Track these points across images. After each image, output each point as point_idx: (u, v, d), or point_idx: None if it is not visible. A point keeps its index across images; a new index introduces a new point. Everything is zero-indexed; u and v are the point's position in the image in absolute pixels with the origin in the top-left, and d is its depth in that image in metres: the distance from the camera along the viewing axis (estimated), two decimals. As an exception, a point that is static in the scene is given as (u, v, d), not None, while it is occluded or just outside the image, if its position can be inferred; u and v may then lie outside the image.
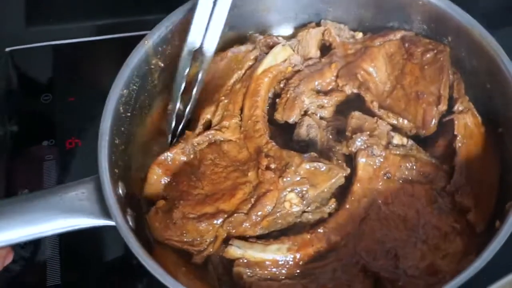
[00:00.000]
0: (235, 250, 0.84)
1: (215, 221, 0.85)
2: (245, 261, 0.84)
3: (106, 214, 0.81)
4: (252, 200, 0.86)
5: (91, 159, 1.04)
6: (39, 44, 1.25)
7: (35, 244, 1.01)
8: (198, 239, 0.86)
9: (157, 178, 0.91)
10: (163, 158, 0.91)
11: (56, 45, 1.25)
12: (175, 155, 0.92)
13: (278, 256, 0.84)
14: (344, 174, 0.88)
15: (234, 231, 0.86)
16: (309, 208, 0.87)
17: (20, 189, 1.06)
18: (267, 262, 0.84)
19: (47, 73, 1.22)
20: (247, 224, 0.85)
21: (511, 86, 0.90)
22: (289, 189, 0.86)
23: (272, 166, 0.88)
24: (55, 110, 1.16)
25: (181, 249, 0.86)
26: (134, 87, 0.94)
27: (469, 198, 0.88)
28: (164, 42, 0.97)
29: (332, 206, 0.88)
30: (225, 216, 0.86)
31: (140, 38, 1.15)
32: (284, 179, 0.86)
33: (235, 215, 0.86)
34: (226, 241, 0.86)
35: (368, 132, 0.90)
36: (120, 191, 0.85)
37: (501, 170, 0.93)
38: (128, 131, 0.94)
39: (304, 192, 0.86)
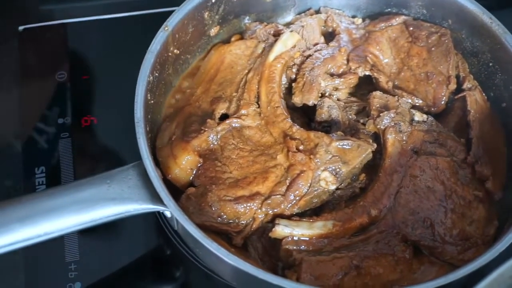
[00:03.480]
0: (283, 229, 0.85)
1: (253, 203, 0.87)
2: (293, 239, 0.85)
3: (155, 199, 0.81)
4: (287, 181, 0.88)
5: (106, 136, 1.09)
6: (52, 23, 1.23)
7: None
8: (236, 220, 0.87)
9: (186, 164, 0.91)
10: (193, 144, 0.91)
11: (69, 23, 1.23)
12: (201, 143, 0.92)
13: (324, 231, 0.86)
14: (372, 149, 0.92)
15: (271, 212, 0.87)
16: (342, 184, 0.90)
17: (36, 167, 1.04)
18: (314, 238, 0.86)
19: (60, 51, 1.20)
20: (285, 205, 0.87)
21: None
22: (322, 168, 0.89)
23: (301, 147, 0.91)
24: (69, 88, 1.15)
25: (219, 231, 0.87)
26: (156, 74, 0.93)
27: (487, 167, 0.94)
28: (181, 29, 0.97)
29: (363, 181, 0.92)
30: (262, 198, 0.87)
31: (151, 16, 1.21)
32: (317, 159, 0.89)
33: (272, 197, 0.87)
34: (266, 222, 0.88)
35: (394, 110, 0.95)
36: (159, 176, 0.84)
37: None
38: (153, 119, 0.94)
39: (337, 169, 0.89)
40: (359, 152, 0.90)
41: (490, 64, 1.02)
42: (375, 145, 0.92)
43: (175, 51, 0.98)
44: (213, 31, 1.04)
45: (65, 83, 1.15)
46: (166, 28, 0.93)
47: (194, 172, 0.91)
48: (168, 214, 0.82)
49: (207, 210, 0.87)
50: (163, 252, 0.99)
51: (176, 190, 0.90)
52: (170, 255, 0.99)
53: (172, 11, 0.95)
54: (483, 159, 0.95)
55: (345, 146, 0.90)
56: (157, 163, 0.89)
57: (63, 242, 0.96)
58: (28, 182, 1.02)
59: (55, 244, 0.96)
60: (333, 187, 0.89)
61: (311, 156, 0.89)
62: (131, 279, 0.97)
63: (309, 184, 0.88)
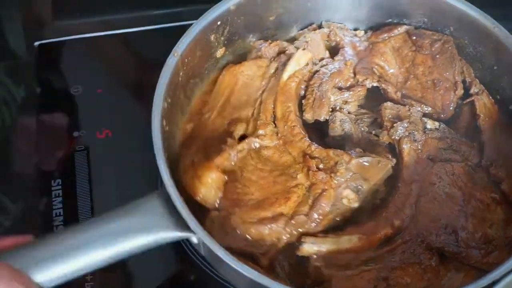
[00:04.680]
0: (310, 247, 0.85)
1: (277, 224, 0.87)
2: (320, 255, 0.86)
3: (182, 226, 0.81)
4: (310, 201, 0.89)
5: (121, 149, 1.10)
6: (67, 38, 1.25)
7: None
8: (261, 242, 0.87)
9: (212, 183, 0.90)
10: (217, 162, 0.91)
11: (84, 38, 1.25)
12: (223, 161, 0.92)
13: (350, 246, 0.87)
14: (392, 165, 0.92)
15: (295, 232, 0.87)
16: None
17: (53, 180, 1.05)
18: (341, 253, 0.86)
19: (75, 66, 1.22)
20: (310, 224, 0.88)
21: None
22: (343, 186, 0.89)
23: (321, 166, 0.91)
24: (84, 101, 1.16)
25: (244, 253, 0.86)
26: (169, 100, 0.93)
27: (502, 170, 0.95)
28: (189, 53, 0.97)
29: (384, 191, 0.93)
30: (286, 218, 0.87)
31: (165, 30, 1.24)
32: (337, 177, 0.89)
33: (296, 217, 0.88)
34: (291, 242, 0.88)
35: (406, 120, 0.96)
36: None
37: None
38: (169, 147, 0.93)
39: (359, 187, 0.90)
40: (380, 169, 0.90)
41: (495, 68, 1.03)
42: (394, 160, 0.93)
43: (184, 76, 0.97)
44: (219, 52, 1.04)
45: (80, 96, 1.16)
46: (175, 54, 0.93)
47: (221, 191, 0.90)
48: (194, 240, 0.82)
49: (231, 233, 0.87)
50: (187, 279, 0.99)
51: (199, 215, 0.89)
52: (193, 280, 0.99)
53: (187, 25, 0.95)
54: (497, 162, 0.96)
55: (365, 163, 0.90)
56: (180, 191, 0.88)
57: None
58: (44, 195, 1.03)
59: None
60: (355, 204, 0.89)
61: (332, 175, 0.89)
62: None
63: (331, 203, 0.88)
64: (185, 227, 0.80)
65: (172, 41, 0.94)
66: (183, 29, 0.95)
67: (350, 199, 0.88)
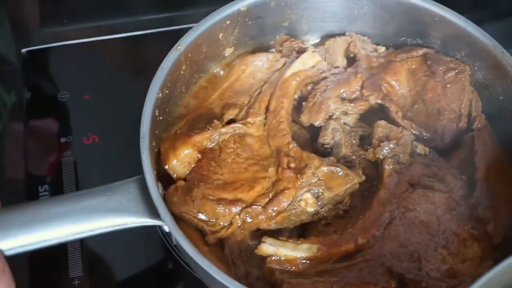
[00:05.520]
0: (268, 248, 0.88)
1: (233, 208, 0.89)
2: (277, 258, 0.88)
3: (154, 214, 0.84)
4: (270, 195, 0.91)
5: (108, 155, 1.11)
6: (54, 44, 1.29)
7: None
8: (213, 220, 0.89)
9: (184, 157, 0.94)
10: (194, 139, 0.94)
11: (71, 45, 1.29)
12: (203, 140, 0.95)
13: (309, 255, 0.88)
14: (359, 181, 0.93)
15: (249, 221, 0.90)
16: (322, 209, 0.92)
17: (40, 185, 1.09)
18: (297, 260, 0.88)
19: (62, 72, 1.26)
20: (263, 217, 0.90)
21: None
22: (305, 189, 0.91)
23: (292, 165, 0.93)
24: (72, 107, 1.20)
25: (195, 225, 0.90)
26: (167, 91, 0.97)
27: (490, 212, 0.93)
28: (194, 48, 1.01)
29: (347, 203, 0.93)
30: (243, 205, 0.90)
31: (151, 36, 1.25)
32: (302, 179, 0.91)
33: (253, 206, 0.90)
34: (243, 229, 0.90)
35: (394, 141, 0.95)
36: (160, 191, 0.88)
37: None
38: (160, 135, 0.98)
39: (319, 193, 0.91)
40: (345, 181, 0.91)
41: (501, 98, 1.01)
42: (363, 177, 0.94)
43: (187, 70, 1.01)
44: (228, 51, 1.08)
45: (67, 102, 1.20)
46: (178, 47, 0.97)
47: (191, 167, 0.94)
48: (166, 229, 0.85)
49: (189, 203, 0.90)
50: (166, 267, 1.02)
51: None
52: (172, 269, 1.02)
53: (174, 30, 0.99)
54: (486, 203, 0.94)
55: (332, 172, 0.91)
56: (159, 173, 0.92)
57: (67, 258, 1.00)
58: (32, 200, 1.06)
59: (58, 260, 1.00)
60: (311, 209, 0.90)
61: (298, 175, 0.91)
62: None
63: (289, 202, 0.90)
64: (157, 215, 0.84)
65: (162, 47, 0.97)
66: (171, 35, 0.99)
67: (308, 203, 0.90)
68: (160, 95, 0.94)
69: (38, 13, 1.35)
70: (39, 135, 1.16)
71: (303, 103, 1.04)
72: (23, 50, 1.28)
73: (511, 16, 1.35)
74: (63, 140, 1.15)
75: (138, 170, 0.86)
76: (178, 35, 0.99)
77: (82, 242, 1.01)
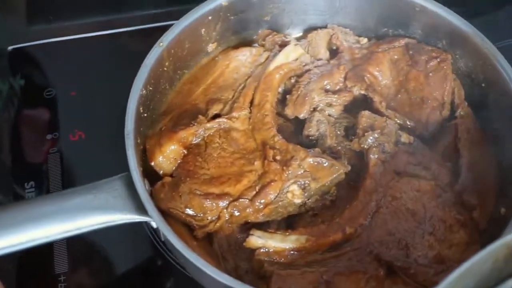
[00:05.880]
0: (256, 240, 0.88)
1: (220, 202, 0.90)
2: (266, 250, 0.88)
3: (140, 210, 0.85)
4: (257, 188, 0.91)
5: (95, 151, 1.12)
6: (40, 42, 1.29)
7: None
8: (201, 214, 0.90)
9: (170, 153, 0.94)
10: (180, 135, 0.95)
11: (57, 42, 1.29)
12: (188, 136, 0.95)
13: (297, 246, 0.89)
14: (345, 171, 0.94)
15: (237, 214, 0.90)
16: (309, 200, 0.93)
17: (26, 182, 1.08)
18: (286, 251, 0.88)
19: (49, 69, 1.26)
20: (250, 210, 0.90)
21: (507, 84, 0.97)
22: (292, 181, 0.91)
23: (278, 158, 0.93)
24: (58, 104, 1.20)
25: (183, 220, 0.90)
26: (150, 88, 0.97)
27: (475, 197, 0.94)
28: (177, 45, 1.01)
29: (334, 194, 0.94)
30: (231, 199, 0.90)
31: (138, 32, 1.26)
32: (288, 171, 0.92)
33: (240, 200, 0.91)
34: (231, 223, 0.91)
35: (379, 130, 0.96)
36: (147, 187, 0.88)
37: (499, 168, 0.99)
38: (145, 132, 0.98)
39: (306, 184, 0.92)
40: (331, 172, 0.92)
41: (483, 85, 1.02)
42: (349, 167, 0.94)
43: (170, 66, 1.01)
44: (211, 47, 1.08)
45: (53, 99, 1.20)
46: (161, 44, 0.97)
47: (177, 162, 0.94)
48: (154, 225, 0.86)
49: (176, 199, 0.90)
50: (154, 264, 1.02)
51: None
52: (160, 266, 1.02)
53: (160, 27, 0.99)
54: (471, 189, 0.95)
55: (318, 163, 0.92)
56: (145, 170, 0.92)
57: (53, 254, 1.00)
58: (18, 197, 1.07)
59: (44, 256, 1.00)
60: (298, 201, 0.91)
61: (284, 168, 0.91)
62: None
63: (276, 194, 0.90)
64: (144, 211, 0.84)
65: (149, 44, 0.97)
66: (157, 31, 0.98)
67: (294, 195, 0.91)
68: (144, 92, 0.94)
69: (24, 11, 1.35)
70: (25, 131, 1.16)
71: (287, 96, 1.05)
72: (9, 48, 1.28)
73: (494, 10, 1.36)
74: (49, 136, 1.15)
75: (124, 166, 0.86)
76: (165, 31, 0.99)
77: (68, 238, 1.00)
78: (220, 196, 0.90)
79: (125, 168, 0.86)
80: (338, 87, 1.06)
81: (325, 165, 0.92)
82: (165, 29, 0.99)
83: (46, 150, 1.13)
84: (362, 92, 1.05)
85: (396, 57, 1.08)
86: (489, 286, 0.59)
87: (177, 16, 1.01)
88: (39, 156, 1.12)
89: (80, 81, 1.22)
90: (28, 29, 1.34)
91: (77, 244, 1.02)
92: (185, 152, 0.95)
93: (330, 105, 1.04)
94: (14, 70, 1.26)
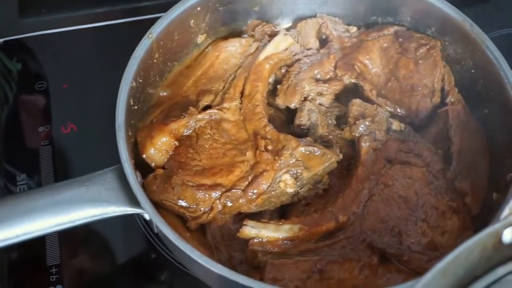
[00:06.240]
0: (250, 230, 0.88)
1: (213, 193, 0.90)
2: (259, 240, 0.88)
3: (133, 202, 0.85)
4: (249, 178, 0.91)
5: (86, 143, 1.11)
6: (32, 34, 1.28)
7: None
8: (194, 206, 0.90)
9: (162, 145, 0.94)
10: (171, 127, 0.94)
11: (49, 34, 1.28)
12: (179, 127, 0.95)
13: (290, 235, 0.89)
14: (337, 159, 0.94)
15: (230, 205, 0.90)
16: (302, 189, 0.93)
17: (18, 174, 1.08)
18: (280, 241, 0.88)
19: (40, 62, 1.25)
20: (243, 200, 0.90)
21: (496, 69, 0.97)
22: (284, 170, 0.91)
23: (269, 148, 0.93)
24: (49, 96, 1.19)
25: (176, 212, 0.90)
26: (140, 80, 0.96)
27: (467, 183, 0.94)
28: (166, 36, 1.00)
29: (326, 182, 0.94)
30: (223, 190, 0.90)
31: (129, 24, 1.25)
32: (280, 161, 0.92)
33: (233, 190, 0.90)
34: (224, 214, 0.91)
35: (370, 118, 0.96)
36: (139, 180, 0.88)
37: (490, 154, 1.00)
38: (136, 125, 0.98)
39: (298, 174, 0.92)
40: (323, 160, 0.92)
41: (472, 71, 1.02)
42: (341, 156, 0.94)
43: (160, 58, 1.01)
44: (200, 38, 1.07)
45: (45, 92, 1.19)
46: (150, 35, 0.96)
47: (169, 154, 0.94)
48: (147, 217, 0.86)
49: (169, 191, 0.90)
50: (147, 256, 1.02)
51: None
52: (154, 259, 1.02)
53: (152, 18, 0.98)
54: (463, 175, 0.95)
55: (310, 152, 0.92)
56: (137, 163, 0.92)
57: (44, 246, 1.00)
58: (9, 190, 1.07)
59: (36, 248, 1.00)
60: (291, 190, 0.91)
61: (276, 157, 0.91)
62: (113, 283, 1.01)
63: (269, 184, 0.90)
64: (137, 203, 0.84)
65: (139, 35, 0.96)
66: (150, 23, 0.97)
67: (287, 184, 0.91)
68: (134, 84, 0.94)
69: (16, 3, 1.34)
70: (17, 125, 1.16)
71: (278, 86, 1.05)
72: (1, 40, 1.27)
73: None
74: (40, 129, 1.14)
75: (117, 158, 0.86)
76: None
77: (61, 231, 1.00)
78: (213, 187, 0.90)
79: (117, 160, 0.86)
80: (328, 76, 1.06)
81: (317, 154, 0.92)
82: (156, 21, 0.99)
83: (38, 142, 1.12)
84: (353, 80, 1.04)
85: (385, 45, 1.08)
86: (478, 274, 0.59)
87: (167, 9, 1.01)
88: (31, 149, 1.12)
89: (72, 74, 1.21)
90: (20, 21, 1.33)
91: (69, 237, 1.01)
92: (177, 144, 0.94)
93: (320, 94, 1.04)
94: (5, 63, 1.25)
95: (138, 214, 0.86)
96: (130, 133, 0.92)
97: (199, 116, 0.96)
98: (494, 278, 0.58)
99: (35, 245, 0.99)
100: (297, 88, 1.03)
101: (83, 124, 1.15)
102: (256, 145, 0.93)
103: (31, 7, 1.33)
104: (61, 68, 1.23)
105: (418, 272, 0.88)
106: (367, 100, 1.02)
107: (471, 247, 0.59)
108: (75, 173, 1.09)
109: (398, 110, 1.02)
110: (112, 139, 0.88)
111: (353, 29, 1.13)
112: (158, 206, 0.88)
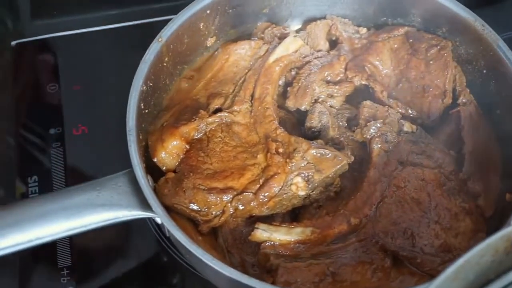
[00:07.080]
0: (262, 234, 0.88)
1: (224, 197, 0.90)
2: (271, 243, 0.88)
3: (145, 206, 0.84)
4: (261, 181, 0.91)
5: (98, 146, 1.11)
6: (44, 36, 1.28)
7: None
8: (205, 209, 0.90)
9: (173, 149, 0.94)
10: (182, 131, 0.94)
11: (61, 36, 1.28)
12: (190, 131, 0.95)
13: (302, 238, 0.88)
14: (348, 162, 0.93)
15: (241, 208, 0.90)
16: (313, 192, 0.92)
17: (29, 177, 1.08)
18: (292, 244, 0.88)
19: (52, 64, 1.25)
20: (255, 204, 0.90)
21: (508, 69, 0.96)
22: (295, 173, 0.91)
23: (280, 150, 0.93)
24: (61, 99, 1.19)
25: (187, 216, 0.90)
26: (150, 84, 0.96)
27: (479, 184, 0.94)
28: (176, 40, 1.00)
29: (338, 185, 0.94)
30: (235, 193, 0.90)
31: (142, 27, 1.25)
32: (291, 163, 0.91)
33: (244, 193, 0.90)
34: (236, 217, 0.91)
35: (381, 120, 0.96)
36: (150, 183, 0.88)
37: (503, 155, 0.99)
38: (147, 128, 0.98)
39: (310, 176, 0.91)
40: (334, 163, 0.91)
41: (484, 71, 1.02)
42: (352, 158, 0.94)
43: (170, 61, 1.01)
44: (210, 41, 1.07)
45: (56, 94, 1.19)
46: (160, 39, 0.96)
47: (180, 158, 0.94)
48: (158, 220, 0.85)
49: (180, 194, 0.90)
50: (158, 259, 1.02)
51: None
52: (165, 262, 1.02)
53: (163, 20, 0.98)
54: (476, 176, 0.95)
55: (321, 155, 0.91)
56: (148, 166, 0.91)
57: (56, 247, 1.00)
58: (21, 191, 1.06)
59: (47, 249, 0.99)
60: (302, 193, 0.90)
61: (287, 160, 0.91)
62: (125, 287, 1.01)
63: (280, 187, 0.90)
64: (148, 207, 0.84)
65: (151, 37, 0.96)
66: (162, 25, 0.97)
67: (298, 187, 0.90)
68: (144, 87, 0.94)
69: (28, 6, 1.34)
70: (30, 127, 1.16)
71: (288, 88, 1.04)
72: (13, 43, 1.27)
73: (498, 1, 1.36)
74: (52, 131, 1.15)
75: (128, 160, 0.86)
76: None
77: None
78: (224, 190, 0.90)
79: (129, 162, 0.86)
80: (339, 78, 1.05)
81: (328, 156, 0.92)
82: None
83: (49, 144, 1.13)
84: (363, 82, 1.04)
85: (396, 46, 1.08)
86: (489, 278, 0.58)
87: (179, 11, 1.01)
88: (42, 150, 1.12)
89: (84, 76, 1.22)
90: (32, 23, 1.34)
91: (80, 239, 1.01)
92: (188, 147, 0.94)
93: (331, 96, 1.04)
94: (18, 65, 1.25)
95: (149, 218, 0.86)
96: (141, 137, 0.92)
97: (210, 119, 0.96)
98: (507, 282, 0.58)
99: (47, 246, 0.96)
100: (307, 90, 1.02)
101: (95, 126, 1.15)
102: (267, 148, 0.93)
103: (43, 10, 1.34)
104: (73, 70, 1.23)
105: (431, 274, 0.88)
106: (378, 101, 1.01)
107: (482, 250, 0.58)
108: (86, 174, 1.09)
109: (410, 111, 1.01)
110: (123, 140, 0.88)
111: (363, 30, 1.13)
112: (169, 209, 0.88)
